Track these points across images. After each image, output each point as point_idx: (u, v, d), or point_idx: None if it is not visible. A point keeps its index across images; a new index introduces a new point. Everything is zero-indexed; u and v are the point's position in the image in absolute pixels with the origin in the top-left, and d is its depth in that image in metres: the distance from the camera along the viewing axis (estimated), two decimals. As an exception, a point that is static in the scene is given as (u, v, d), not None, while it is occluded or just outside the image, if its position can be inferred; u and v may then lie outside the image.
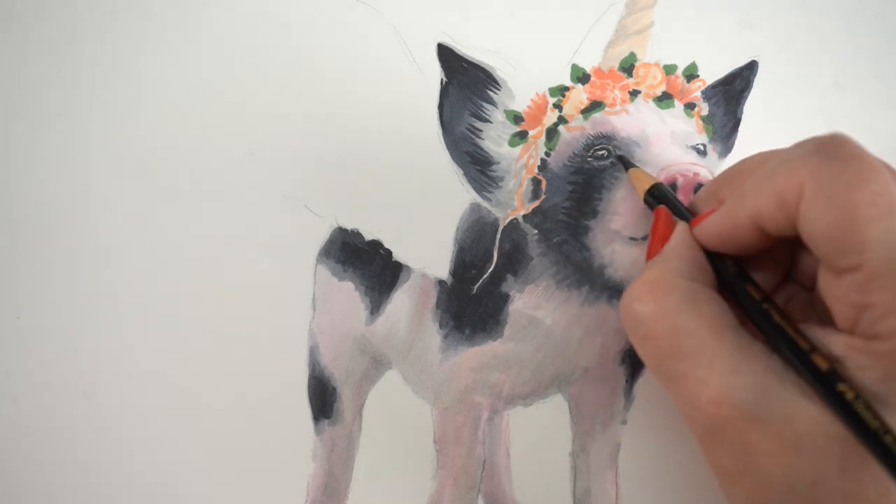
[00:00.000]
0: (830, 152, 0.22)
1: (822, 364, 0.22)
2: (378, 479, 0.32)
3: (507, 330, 0.32)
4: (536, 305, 0.32)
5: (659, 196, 0.29)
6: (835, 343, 0.23)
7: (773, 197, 0.23)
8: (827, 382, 0.22)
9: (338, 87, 0.33)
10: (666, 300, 0.24)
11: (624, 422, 0.33)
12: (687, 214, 0.28)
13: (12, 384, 0.32)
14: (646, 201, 0.29)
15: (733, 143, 0.34)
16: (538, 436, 0.32)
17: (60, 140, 0.33)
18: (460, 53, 0.33)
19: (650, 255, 0.28)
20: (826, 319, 0.24)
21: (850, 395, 0.21)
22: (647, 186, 0.29)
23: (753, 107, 0.34)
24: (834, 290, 0.23)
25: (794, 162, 0.23)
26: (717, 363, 0.22)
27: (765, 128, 0.34)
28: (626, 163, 0.31)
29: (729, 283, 0.25)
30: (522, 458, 0.32)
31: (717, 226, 0.25)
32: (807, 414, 0.22)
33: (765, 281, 0.27)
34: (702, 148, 0.32)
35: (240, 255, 0.32)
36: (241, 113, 0.33)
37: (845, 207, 0.21)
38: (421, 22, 0.33)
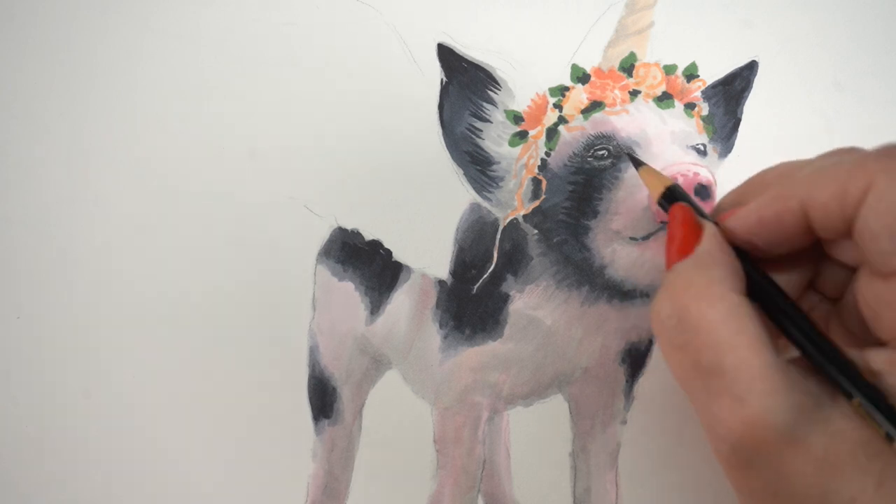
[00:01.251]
0: None
1: (871, 377, 0.22)
2: (378, 479, 0.32)
3: (507, 330, 0.32)
4: (536, 305, 0.32)
5: (675, 196, 0.28)
6: (873, 357, 0.22)
7: (836, 186, 0.22)
8: (877, 397, 0.21)
9: (338, 88, 0.33)
10: (711, 312, 0.23)
11: (624, 422, 0.33)
12: (708, 216, 0.26)
13: (12, 384, 0.32)
14: (659, 203, 0.28)
15: (733, 143, 0.34)
16: (538, 436, 0.32)
17: (60, 140, 0.33)
18: (460, 53, 0.33)
19: (671, 258, 0.26)
20: (856, 330, 0.23)
21: (884, 430, 0.21)
22: (662, 188, 0.28)
23: (753, 107, 0.34)
24: (882, 295, 0.22)
25: (865, 157, 0.22)
26: (757, 382, 0.22)
27: (765, 128, 0.34)
28: (635, 161, 0.30)
29: (764, 294, 0.24)
30: (522, 458, 0.32)
31: (760, 211, 0.24)
32: (847, 434, 0.21)
33: (789, 288, 0.26)
34: (702, 148, 0.32)
35: (240, 255, 0.32)
36: (241, 113, 0.33)
37: None
38: (421, 22, 0.33)
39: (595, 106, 0.32)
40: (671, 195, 0.27)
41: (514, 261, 0.32)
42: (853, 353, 0.23)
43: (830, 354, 0.23)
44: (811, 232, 0.24)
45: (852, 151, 0.23)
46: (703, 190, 0.30)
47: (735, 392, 0.22)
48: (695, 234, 0.25)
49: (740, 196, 0.27)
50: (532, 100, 0.33)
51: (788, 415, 0.21)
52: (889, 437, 0.21)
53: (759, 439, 0.21)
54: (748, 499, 0.23)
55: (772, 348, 0.22)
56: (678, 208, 0.27)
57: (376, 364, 0.33)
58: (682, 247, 0.26)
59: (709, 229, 0.25)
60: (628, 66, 0.33)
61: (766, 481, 0.22)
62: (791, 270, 0.26)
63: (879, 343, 0.23)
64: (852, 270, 0.25)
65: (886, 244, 0.22)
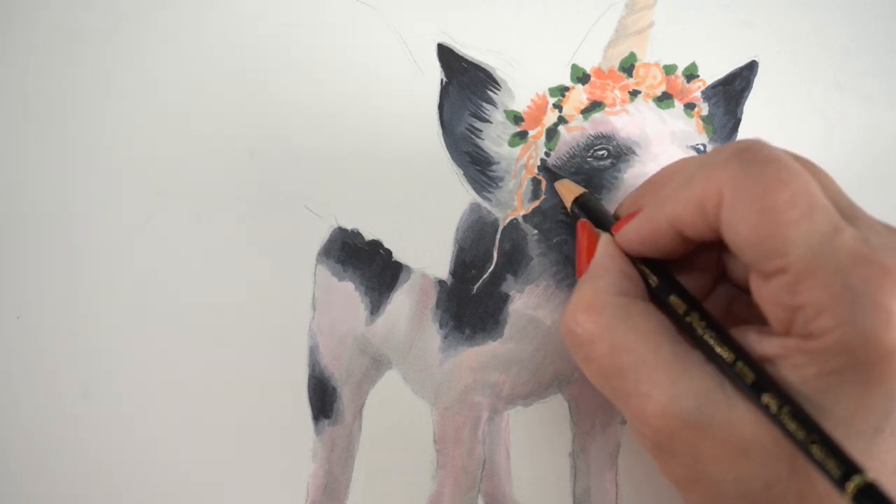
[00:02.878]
0: (747, 157, 0.22)
1: (748, 375, 0.22)
2: (378, 479, 0.32)
3: (507, 330, 0.32)
4: (536, 305, 0.32)
5: (585, 206, 0.28)
6: (771, 344, 0.22)
7: (692, 203, 0.23)
8: (753, 394, 0.22)
9: (338, 87, 0.33)
10: (600, 320, 0.24)
11: (624, 422, 0.33)
12: (609, 224, 0.27)
13: (12, 384, 0.32)
14: (571, 212, 0.29)
15: (733, 144, 0.34)
16: (538, 436, 0.32)
17: (60, 140, 0.33)
18: (460, 53, 0.33)
19: (580, 273, 0.27)
20: (764, 320, 0.24)
21: (773, 408, 0.21)
22: (573, 197, 0.29)
23: (753, 107, 0.34)
24: (764, 294, 0.22)
25: (712, 168, 0.23)
26: (658, 376, 0.22)
27: (765, 128, 0.34)
28: (552, 174, 0.31)
29: (653, 295, 0.25)
30: (522, 458, 0.32)
31: (637, 231, 0.25)
32: (751, 418, 0.22)
33: (700, 283, 0.26)
34: (702, 148, 0.32)
35: (240, 255, 0.32)
36: (241, 113, 0.33)
37: (765, 211, 0.21)
38: (421, 22, 0.33)
39: (595, 106, 0.32)
40: (582, 203, 0.29)
41: (514, 261, 0.32)
42: (756, 341, 0.23)
43: (714, 355, 0.23)
44: (692, 240, 0.24)
45: (705, 160, 0.24)
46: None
47: (640, 389, 0.23)
48: (594, 246, 0.27)
49: (635, 200, 0.28)
50: (532, 100, 0.33)
51: (692, 401, 0.22)
52: (794, 440, 0.21)
53: (671, 429, 0.22)
54: (678, 488, 0.24)
55: (671, 341, 0.23)
56: (579, 225, 0.28)
57: (376, 364, 0.33)
58: (585, 261, 0.27)
59: (602, 241, 0.26)
60: (628, 66, 0.33)
61: (687, 468, 0.22)
62: (701, 265, 0.26)
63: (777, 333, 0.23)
64: None
65: (751, 252, 0.22)
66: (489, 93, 0.32)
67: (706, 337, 0.23)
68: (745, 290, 0.26)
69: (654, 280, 0.25)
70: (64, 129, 0.33)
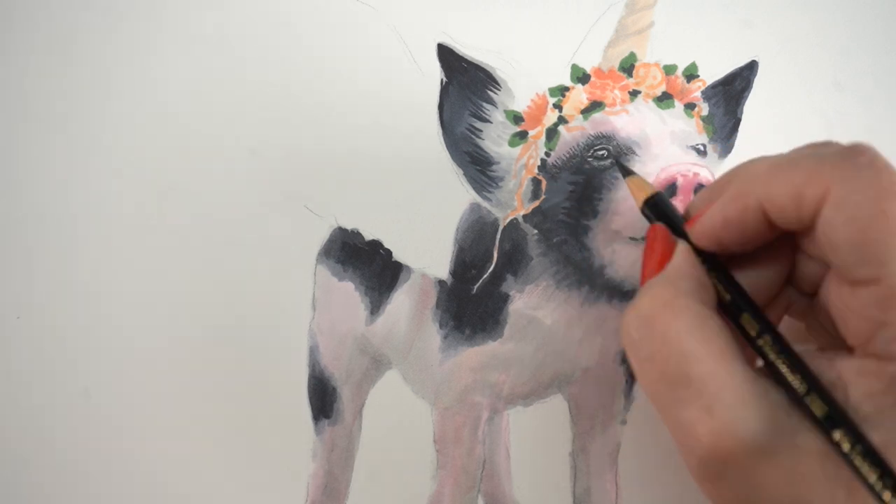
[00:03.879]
0: (863, 161, 0.21)
1: (819, 409, 0.21)
2: (378, 479, 0.32)
3: (507, 330, 0.32)
4: (536, 305, 0.32)
5: (658, 207, 0.28)
6: (844, 366, 0.22)
7: (792, 188, 0.22)
8: (823, 427, 0.21)
9: (338, 88, 0.33)
10: (676, 323, 0.23)
11: (624, 422, 0.33)
12: (685, 232, 0.27)
13: (12, 384, 0.32)
14: (643, 212, 0.28)
15: (733, 143, 0.34)
16: (538, 436, 0.32)
17: (60, 140, 0.33)
18: (460, 53, 0.33)
19: (646, 275, 0.26)
20: (830, 329, 0.23)
21: (845, 446, 0.20)
22: (645, 196, 0.28)
23: (753, 107, 0.34)
24: (848, 302, 0.22)
25: (822, 162, 0.22)
26: (725, 393, 0.21)
27: (765, 128, 0.34)
28: (624, 169, 0.30)
29: (724, 311, 0.25)
30: (522, 458, 0.32)
31: (723, 211, 0.24)
32: (815, 445, 0.21)
33: (765, 285, 0.26)
34: (702, 148, 0.32)
35: (240, 255, 0.32)
36: (241, 113, 0.33)
37: (874, 216, 0.21)
38: (421, 22, 0.33)
39: (595, 106, 0.32)
40: (654, 204, 0.28)
41: (514, 261, 0.32)
42: (822, 362, 0.22)
43: (787, 383, 0.22)
44: (776, 228, 0.24)
45: (812, 152, 0.23)
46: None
47: (703, 403, 0.22)
48: (668, 251, 0.26)
49: (712, 193, 0.27)
50: (532, 100, 0.33)
51: (757, 426, 0.21)
52: (863, 479, 0.20)
53: (728, 451, 0.21)
54: None
55: (741, 359, 0.22)
56: (655, 228, 0.27)
57: (376, 364, 0.33)
58: (656, 264, 0.26)
59: (680, 247, 0.25)
60: (628, 66, 0.33)
61: (737, 493, 0.22)
62: (767, 267, 0.26)
63: (847, 346, 0.22)
64: (825, 265, 0.24)
65: (848, 256, 0.21)
66: (489, 93, 0.32)
67: (778, 363, 0.23)
68: (810, 294, 0.25)
69: (727, 296, 0.24)
70: (64, 129, 0.33)
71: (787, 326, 0.27)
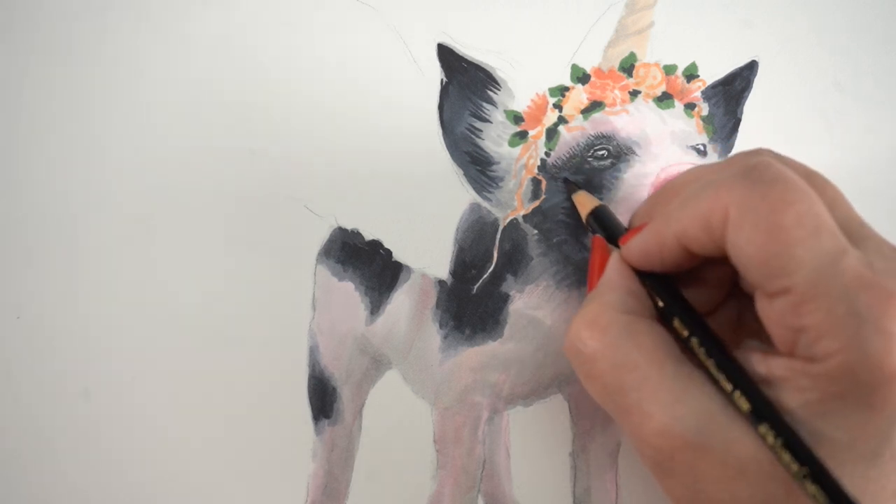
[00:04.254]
0: (754, 176, 0.22)
1: (744, 405, 0.22)
2: (378, 479, 0.32)
3: (507, 330, 0.32)
4: (536, 305, 0.32)
5: (599, 219, 0.28)
6: (775, 365, 0.22)
7: (698, 220, 0.23)
8: (750, 422, 0.22)
9: (338, 87, 0.33)
10: (603, 337, 0.24)
11: (624, 422, 0.33)
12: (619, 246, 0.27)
13: (12, 384, 0.32)
14: (587, 224, 0.29)
15: (733, 144, 0.34)
16: (538, 436, 0.32)
17: (60, 140, 0.33)
18: (460, 53, 0.33)
19: (590, 287, 0.27)
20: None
21: (769, 439, 0.21)
22: (589, 209, 0.29)
23: (753, 107, 0.34)
24: (769, 314, 0.22)
25: (719, 185, 0.23)
26: (660, 395, 0.22)
27: (765, 128, 0.34)
28: (570, 187, 0.31)
29: (661, 315, 0.25)
30: (522, 458, 0.32)
31: (643, 245, 0.25)
32: (751, 440, 0.22)
33: (712, 294, 0.26)
34: (702, 148, 0.32)
35: (240, 255, 0.32)
36: (241, 113, 0.33)
37: (771, 231, 0.21)
38: (421, 22, 0.33)
39: (595, 106, 0.32)
40: (596, 216, 0.29)
41: (514, 261, 0.32)
42: (761, 361, 0.23)
43: (728, 368, 0.23)
44: (698, 255, 0.24)
45: (713, 177, 0.24)
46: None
47: (642, 408, 0.23)
48: (605, 263, 0.27)
49: (648, 211, 0.28)
50: (532, 100, 0.33)
51: (692, 421, 0.22)
52: (788, 471, 0.21)
53: (671, 448, 0.22)
54: None
55: (675, 360, 0.23)
56: (594, 240, 0.28)
57: (376, 364, 0.33)
58: (597, 275, 0.27)
59: (612, 258, 0.26)
60: (628, 66, 0.33)
61: (686, 487, 0.22)
62: (712, 277, 0.26)
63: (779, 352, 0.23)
64: None
65: (756, 271, 0.22)
66: (489, 93, 0.32)
67: (707, 363, 0.23)
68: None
69: (660, 301, 0.25)
70: (64, 129, 0.33)
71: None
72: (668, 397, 0.22)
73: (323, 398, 0.32)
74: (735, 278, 0.26)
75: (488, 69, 0.33)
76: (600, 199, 0.31)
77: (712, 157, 0.33)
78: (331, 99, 0.33)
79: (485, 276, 0.32)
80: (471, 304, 0.32)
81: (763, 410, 0.22)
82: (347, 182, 0.33)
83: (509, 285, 0.32)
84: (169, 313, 0.32)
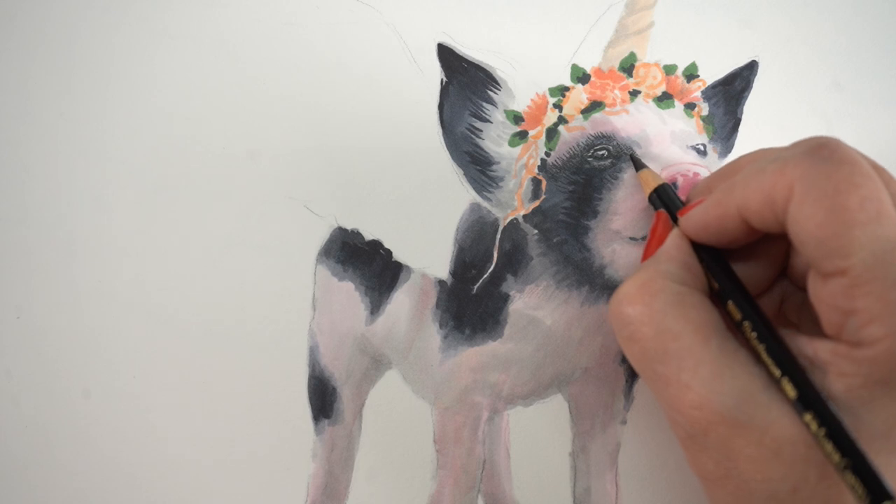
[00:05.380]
0: (823, 155, 0.22)
1: (790, 392, 0.22)
2: (378, 479, 0.32)
3: (507, 330, 0.32)
4: (536, 305, 0.32)
5: (662, 198, 0.29)
6: (821, 348, 0.23)
7: (762, 193, 0.23)
8: (796, 409, 0.22)
9: (338, 87, 0.33)
10: (653, 302, 0.24)
11: (624, 422, 0.33)
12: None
13: (12, 384, 0.32)
14: (650, 201, 0.29)
15: (733, 143, 0.34)
16: (538, 436, 0.32)
17: (60, 140, 0.33)
18: (460, 53, 0.33)
19: (645, 258, 0.28)
20: (817, 322, 0.24)
21: (813, 427, 0.21)
22: (653, 187, 0.29)
23: (753, 107, 0.34)
24: (820, 294, 0.23)
25: (786, 161, 0.23)
26: (701, 367, 0.22)
27: (765, 128, 0.34)
28: (637, 163, 0.31)
29: (718, 296, 0.25)
30: (522, 458, 0.32)
31: (702, 216, 0.25)
32: (788, 420, 0.22)
33: (758, 276, 0.26)
34: (702, 148, 0.32)
35: (240, 255, 0.32)
36: (241, 113, 0.33)
37: (833, 211, 0.21)
38: (421, 22, 0.33)
39: (595, 106, 0.32)
40: (659, 193, 0.29)
41: (514, 261, 0.32)
42: (806, 344, 0.23)
43: (777, 355, 0.23)
44: (758, 230, 0.24)
45: (779, 154, 0.24)
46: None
47: (680, 378, 0.23)
48: (664, 236, 0.27)
49: (711, 183, 0.28)
50: (532, 100, 0.33)
51: (730, 399, 0.22)
52: (833, 460, 0.21)
53: (707, 422, 0.22)
54: (706, 482, 0.24)
55: (721, 335, 0.23)
56: (657, 215, 0.28)
57: (376, 364, 0.33)
58: (654, 248, 0.27)
59: (673, 231, 0.27)
60: (628, 66, 0.33)
61: (717, 464, 0.23)
62: (762, 259, 0.26)
63: (826, 335, 0.23)
64: None
65: (815, 250, 0.22)
66: (489, 93, 0.32)
67: (757, 348, 0.23)
68: (802, 289, 0.26)
69: (715, 283, 0.25)
70: (64, 129, 0.33)
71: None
72: (710, 371, 0.22)
73: (323, 398, 0.32)
74: (783, 264, 0.27)
75: (488, 69, 0.33)
76: (599, 198, 0.31)
77: (712, 157, 0.33)
78: (331, 99, 0.33)
79: (485, 276, 0.32)
80: (471, 304, 0.32)
81: (810, 399, 0.22)
82: (347, 182, 0.33)
83: (509, 285, 0.32)
84: (169, 313, 0.32)
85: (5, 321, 0.32)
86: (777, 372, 0.23)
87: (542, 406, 0.32)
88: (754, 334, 0.24)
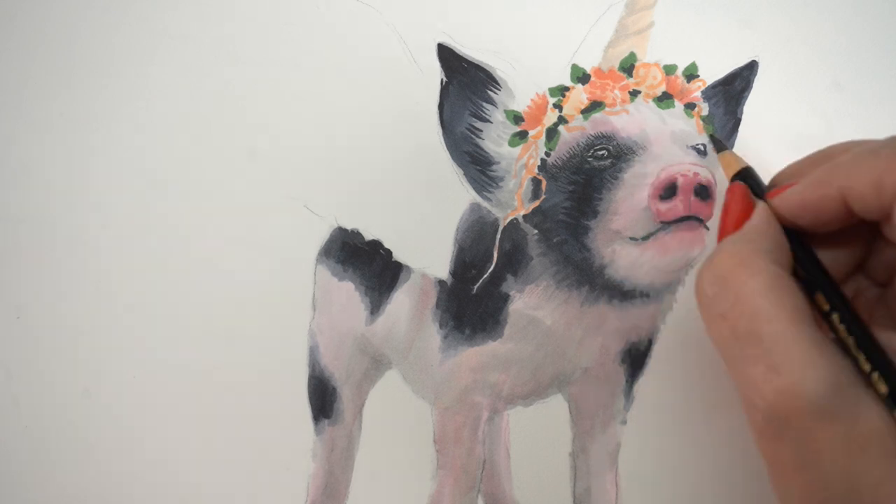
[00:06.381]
0: None
1: (881, 387, 0.22)
2: (378, 479, 0.32)
3: (507, 330, 0.32)
4: (536, 305, 0.32)
5: (748, 181, 0.28)
6: None
7: (872, 175, 0.23)
8: (886, 404, 0.22)
9: (338, 88, 0.33)
10: (751, 282, 0.23)
11: (624, 422, 0.33)
12: (764, 197, 0.27)
13: (12, 384, 0.32)
14: (732, 181, 0.28)
15: (733, 144, 0.34)
16: (538, 436, 0.32)
17: (61, 140, 0.33)
18: (460, 53, 0.33)
19: (722, 232, 0.27)
20: (893, 319, 0.24)
21: None
22: (736, 170, 0.28)
23: (753, 107, 0.34)
24: None
25: None
26: (793, 353, 0.22)
27: (765, 128, 0.34)
28: (718, 144, 0.30)
29: (808, 278, 0.25)
30: (522, 458, 0.32)
31: (801, 195, 0.25)
32: (876, 414, 0.21)
33: (837, 268, 0.26)
34: (702, 148, 0.32)
35: (240, 255, 0.32)
36: (241, 113, 0.33)
37: None
38: (421, 22, 0.33)
39: (595, 106, 0.32)
40: (745, 177, 0.28)
41: (514, 261, 0.32)
42: (890, 336, 0.23)
43: (869, 349, 0.23)
44: (854, 215, 0.24)
45: (889, 141, 0.23)
46: (703, 190, 0.30)
47: (770, 361, 0.22)
48: (747, 211, 0.26)
49: (799, 170, 0.27)
50: (532, 100, 0.33)
51: (821, 388, 0.21)
52: None
53: (791, 409, 0.22)
54: (777, 471, 0.23)
55: (812, 323, 0.23)
56: (735, 186, 0.27)
57: (376, 364, 0.33)
58: (734, 222, 0.26)
59: (760, 207, 0.26)
60: (628, 67, 0.33)
61: (795, 453, 0.22)
62: (841, 250, 0.26)
63: None
64: None
65: None
66: (489, 93, 0.32)
67: (846, 341, 0.23)
68: (880, 285, 0.26)
69: (802, 272, 0.25)
70: (64, 129, 0.33)
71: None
72: (801, 358, 0.22)
73: (323, 398, 0.32)
74: (863, 257, 0.26)
75: (488, 69, 0.33)
76: (599, 199, 0.31)
77: (712, 157, 0.33)
78: (331, 99, 0.33)
79: (485, 276, 0.32)
80: (471, 304, 0.32)
81: None
82: (347, 182, 0.33)
83: (509, 285, 0.32)
84: (169, 313, 0.32)
85: (5, 321, 0.32)
86: (868, 366, 0.22)
87: (542, 406, 0.32)
88: (843, 326, 0.23)
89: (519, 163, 0.32)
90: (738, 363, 0.23)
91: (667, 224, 0.30)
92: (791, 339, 0.22)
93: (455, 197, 0.32)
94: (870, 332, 0.23)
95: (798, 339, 0.22)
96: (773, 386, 0.22)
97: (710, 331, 0.24)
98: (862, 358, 0.23)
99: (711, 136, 0.31)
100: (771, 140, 0.34)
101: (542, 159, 0.32)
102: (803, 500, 0.22)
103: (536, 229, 0.32)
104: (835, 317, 0.24)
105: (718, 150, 0.30)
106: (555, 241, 0.32)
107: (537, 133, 0.32)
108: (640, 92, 0.33)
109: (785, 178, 0.28)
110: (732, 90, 0.34)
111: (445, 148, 0.32)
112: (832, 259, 0.26)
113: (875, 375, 0.22)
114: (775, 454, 0.23)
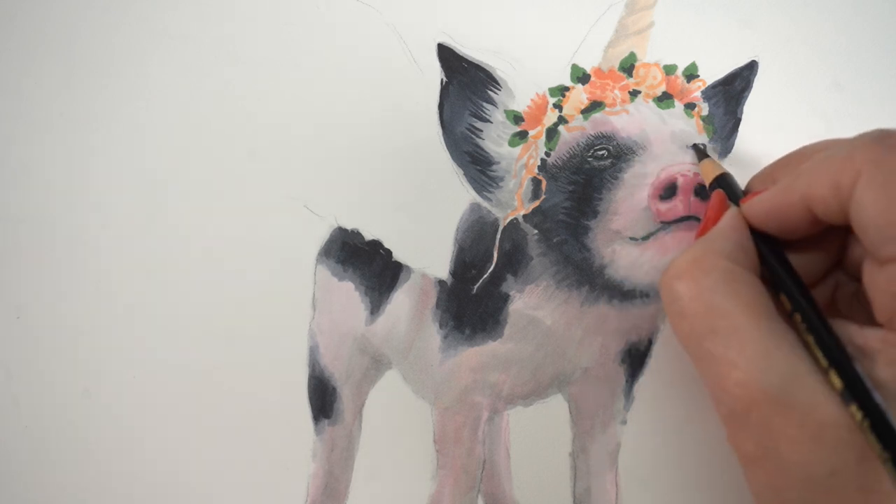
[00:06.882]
0: (892, 142, 0.22)
1: (837, 384, 0.22)
2: (378, 479, 0.32)
3: (507, 330, 0.32)
4: (536, 305, 0.32)
5: (724, 186, 0.29)
6: (871, 337, 0.23)
7: (829, 179, 0.23)
8: (842, 399, 0.22)
9: (338, 88, 0.33)
10: (704, 279, 0.24)
11: (624, 422, 0.33)
12: (738, 206, 0.28)
13: (12, 384, 0.32)
14: (710, 188, 0.29)
15: (733, 143, 0.34)
16: (538, 436, 0.32)
17: (61, 140, 0.33)
18: (460, 53, 0.33)
19: (699, 235, 0.28)
20: (869, 313, 0.24)
21: (857, 418, 0.21)
22: (713, 176, 0.29)
23: (753, 107, 0.34)
24: (876, 280, 0.23)
25: (854, 147, 0.23)
26: (748, 346, 0.22)
27: (765, 128, 0.34)
28: (699, 153, 0.31)
29: (769, 275, 0.25)
30: (522, 458, 0.32)
31: (767, 203, 0.25)
32: (831, 404, 0.22)
33: (813, 266, 0.27)
34: (702, 148, 0.32)
35: (240, 255, 0.32)
36: (241, 113, 0.33)
37: None
38: (421, 22, 0.33)
39: (595, 106, 0.32)
40: (721, 183, 0.29)
41: (514, 261, 0.32)
42: (856, 332, 0.23)
43: (826, 346, 0.23)
44: (821, 221, 0.24)
45: (845, 142, 0.24)
46: (703, 190, 0.30)
47: (728, 355, 0.23)
48: (720, 216, 0.27)
49: (771, 174, 0.28)
50: (532, 100, 0.33)
51: (775, 379, 0.22)
52: (875, 451, 0.21)
53: (750, 401, 0.22)
54: (744, 461, 0.24)
55: (769, 315, 0.23)
56: (714, 194, 0.28)
57: (376, 364, 0.33)
58: (708, 227, 0.27)
59: (729, 210, 0.27)
60: (628, 66, 0.33)
61: (757, 444, 0.23)
62: (818, 249, 0.27)
63: (878, 323, 0.23)
64: None
65: (875, 234, 0.22)
66: (489, 93, 0.32)
67: (806, 339, 0.24)
68: (856, 280, 0.26)
69: (768, 272, 0.25)
70: (64, 129, 0.33)
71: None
72: (757, 350, 0.22)
73: (323, 398, 0.32)
74: (839, 256, 0.27)
75: (488, 69, 0.33)
76: (599, 198, 0.31)
77: (712, 158, 0.33)
78: (331, 99, 0.33)
79: (485, 276, 0.32)
80: (471, 304, 0.32)
81: (856, 391, 0.22)
82: (347, 182, 0.33)
83: (509, 285, 0.32)
84: (169, 313, 0.32)
85: (5, 321, 0.32)
86: (825, 362, 0.23)
87: (542, 406, 0.32)
88: (804, 325, 0.24)
89: (519, 163, 0.32)
90: (700, 360, 0.24)
91: (667, 224, 0.30)
92: (746, 332, 0.23)
93: (455, 197, 0.32)
94: (830, 330, 0.23)
95: (753, 331, 0.23)
96: (732, 379, 0.22)
97: (674, 331, 0.25)
98: (819, 354, 0.23)
99: (694, 146, 0.31)
100: (771, 140, 0.34)
101: (542, 159, 0.32)
102: (767, 490, 0.23)
103: (536, 229, 0.32)
104: (796, 316, 0.24)
105: (699, 159, 0.31)
106: (555, 241, 0.32)
107: (537, 133, 0.32)
108: (640, 92, 0.33)
109: (758, 183, 0.28)
110: (732, 90, 0.34)
111: (445, 148, 0.32)
112: (809, 258, 0.27)
113: (832, 372, 0.22)
114: (740, 445, 0.23)
